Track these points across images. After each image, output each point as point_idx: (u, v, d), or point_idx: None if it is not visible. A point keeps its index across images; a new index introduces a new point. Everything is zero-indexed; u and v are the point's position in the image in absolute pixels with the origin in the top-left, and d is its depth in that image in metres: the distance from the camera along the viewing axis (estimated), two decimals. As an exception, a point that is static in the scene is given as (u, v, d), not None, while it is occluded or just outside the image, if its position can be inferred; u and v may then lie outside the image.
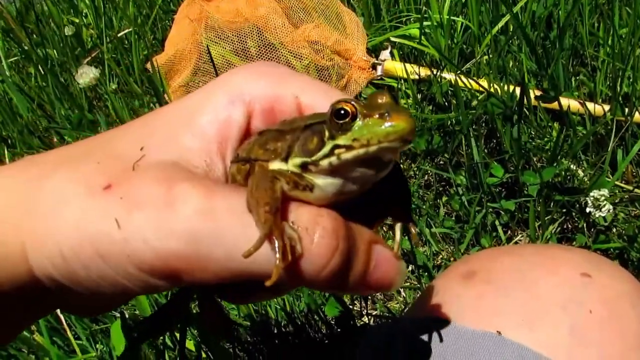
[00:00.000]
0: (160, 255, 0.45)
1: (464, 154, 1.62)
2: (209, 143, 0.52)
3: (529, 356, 0.72)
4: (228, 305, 1.46)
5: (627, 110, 1.61)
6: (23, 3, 2.64)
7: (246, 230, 0.44)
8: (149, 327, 0.68)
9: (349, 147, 0.44)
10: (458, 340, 0.76)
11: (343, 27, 2.05)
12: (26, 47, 2.33)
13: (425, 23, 1.97)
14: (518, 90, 1.60)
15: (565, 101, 1.65)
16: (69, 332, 1.37)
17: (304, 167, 0.47)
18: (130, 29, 2.32)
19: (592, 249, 1.45)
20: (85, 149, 0.53)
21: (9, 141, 2.10)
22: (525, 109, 1.62)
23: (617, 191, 1.55)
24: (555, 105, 1.66)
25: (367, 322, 1.48)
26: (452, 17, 1.99)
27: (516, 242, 1.56)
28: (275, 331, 1.42)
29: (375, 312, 1.51)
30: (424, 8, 2.03)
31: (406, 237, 1.53)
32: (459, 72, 1.77)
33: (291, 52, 1.95)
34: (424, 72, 1.88)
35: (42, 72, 2.25)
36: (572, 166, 1.59)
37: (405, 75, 1.85)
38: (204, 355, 1.33)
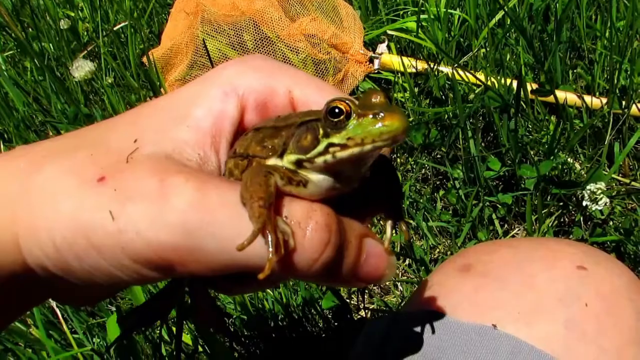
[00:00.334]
0: (153, 247, 0.45)
1: (461, 148, 1.62)
2: (203, 136, 0.52)
3: (525, 349, 0.72)
4: (225, 299, 1.46)
5: (624, 103, 1.61)
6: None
7: (239, 223, 0.45)
8: (140, 316, 0.68)
9: (343, 146, 0.45)
10: (454, 333, 0.76)
11: (340, 21, 2.05)
12: (22, 41, 2.32)
13: (422, 16, 1.96)
14: (515, 84, 1.60)
15: (562, 94, 1.65)
16: (65, 326, 1.37)
17: (298, 163, 0.48)
18: (126, 23, 2.30)
19: (588, 242, 1.45)
20: (77, 140, 0.53)
21: (5, 135, 2.09)
22: (522, 103, 1.62)
23: (613, 184, 1.55)
24: (551, 98, 1.66)
25: (364, 316, 1.48)
26: (449, 10, 1.99)
27: (513, 236, 1.56)
28: (272, 325, 1.42)
29: (372, 306, 1.51)
30: (421, 1, 2.02)
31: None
32: (456, 65, 1.77)
33: (288, 46, 1.94)
34: (421, 65, 1.88)
35: (38, 66, 2.24)
36: (569, 159, 1.59)
37: (402, 69, 1.85)
38: (200, 349, 1.33)
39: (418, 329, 0.79)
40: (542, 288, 0.78)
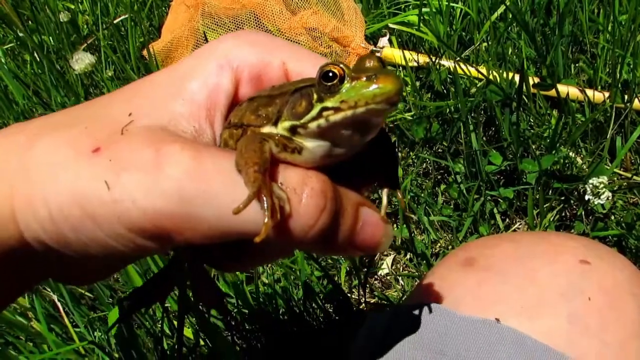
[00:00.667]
0: (149, 215, 0.45)
1: (463, 142, 1.62)
2: (198, 109, 0.53)
3: (528, 343, 0.72)
4: (226, 292, 1.46)
5: (626, 97, 1.60)
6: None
7: (235, 190, 0.45)
8: (139, 297, 0.69)
9: (336, 109, 0.46)
10: (458, 326, 0.76)
11: (341, 14, 2.04)
12: (21, 34, 2.31)
13: (424, 10, 1.95)
14: (517, 78, 1.59)
15: (564, 88, 1.65)
16: (66, 320, 1.37)
17: (293, 130, 0.48)
18: (126, 16, 2.30)
19: (590, 236, 1.45)
20: (73, 115, 0.54)
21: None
22: (524, 97, 1.62)
23: (615, 178, 1.55)
24: (553, 92, 1.65)
25: (365, 309, 1.48)
26: (451, 4, 1.98)
27: (514, 230, 1.56)
28: (273, 319, 1.42)
29: (373, 300, 1.52)
30: (422, -6, 2.02)
31: (405, 227, 1.53)
32: (458, 59, 1.76)
33: (289, 39, 1.93)
34: (423, 59, 1.87)
35: (38, 59, 2.23)
36: (571, 154, 1.58)
37: (404, 63, 1.84)
38: (202, 342, 1.33)
39: (421, 322, 0.79)
40: (544, 282, 0.78)
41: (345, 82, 0.45)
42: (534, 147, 1.60)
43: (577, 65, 1.81)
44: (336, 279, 1.53)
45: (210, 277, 0.72)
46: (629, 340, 0.73)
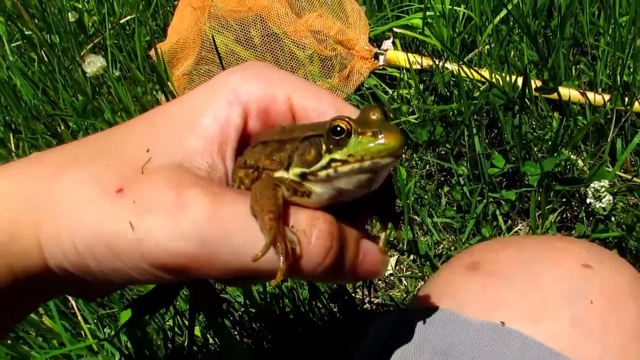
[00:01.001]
0: (171, 255, 0.49)
1: (466, 145, 1.64)
2: (210, 144, 0.56)
3: (533, 346, 0.74)
4: (234, 292, 1.48)
5: (626, 99, 1.62)
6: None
7: (251, 233, 0.49)
8: (148, 303, 0.73)
9: (344, 162, 0.50)
10: (463, 330, 0.78)
11: (345, 17, 2.06)
12: (29, 32, 2.33)
13: (427, 13, 1.97)
14: (520, 81, 1.61)
15: (565, 91, 1.67)
16: (79, 316, 1.40)
17: (303, 176, 0.52)
18: (132, 16, 2.32)
19: (591, 238, 1.48)
20: (92, 149, 0.57)
21: (14, 126, 2.11)
22: (526, 99, 1.64)
23: (616, 181, 1.57)
24: (555, 95, 1.67)
25: (369, 309, 1.51)
26: (454, 7, 2.00)
27: (516, 232, 1.59)
28: (279, 319, 1.45)
29: (377, 300, 1.54)
30: (426, -3, 2.04)
31: (409, 229, 1.55)
32: (461, 62, 1.78)
33: (294, 42, 1.95)
34: (426, 62, 1.89)
35: (47, 58, 2.25)
36: (572, 156, 1.61)
37: (407, 65, 1.86)
38: (210, 340, 1.36)
39: (427, 325, 0.81)
40: (548, 287, 0.80)
41: (352, 136, 0.49)
42: (535, 149, 1.63)
43: (578, 67, 1.83)
44: (341, 278, 1.55)
45: (210, 284, 0.76)
46: (629, 343, 0.75)
